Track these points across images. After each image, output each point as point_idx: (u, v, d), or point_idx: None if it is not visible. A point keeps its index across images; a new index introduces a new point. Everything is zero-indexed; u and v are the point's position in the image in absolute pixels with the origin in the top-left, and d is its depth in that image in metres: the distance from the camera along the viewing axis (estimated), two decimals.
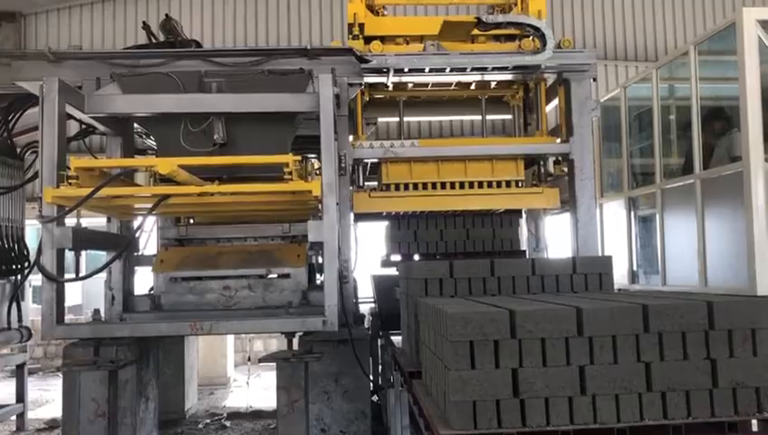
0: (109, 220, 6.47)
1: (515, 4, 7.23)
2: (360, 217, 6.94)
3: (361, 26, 6.81)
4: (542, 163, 6.89)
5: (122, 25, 13.02)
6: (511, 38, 6.89)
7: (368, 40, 6.76)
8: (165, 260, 6.59)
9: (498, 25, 6.50)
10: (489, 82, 7.42)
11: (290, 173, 5.05)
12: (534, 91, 7.41)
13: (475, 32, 6.71)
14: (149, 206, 5.45)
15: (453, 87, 7.52)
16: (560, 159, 6.83)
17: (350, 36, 6.86)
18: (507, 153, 6.83)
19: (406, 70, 6.51)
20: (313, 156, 7.75)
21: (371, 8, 7.12)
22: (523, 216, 8.21)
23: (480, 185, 6.74)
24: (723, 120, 5.96)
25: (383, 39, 6.81)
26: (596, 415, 2.84)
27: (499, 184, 6.75)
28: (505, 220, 7.54)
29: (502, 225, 7.50)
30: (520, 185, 6.83)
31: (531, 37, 6.64)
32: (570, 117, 6.63)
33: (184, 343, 8.27)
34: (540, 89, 7.20)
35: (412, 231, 6.55)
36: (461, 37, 6.80)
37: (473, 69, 6.59)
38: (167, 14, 7.25)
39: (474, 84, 7.48)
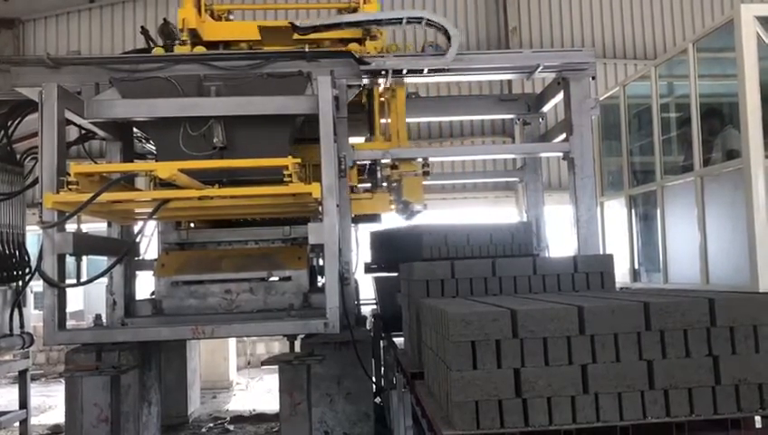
0: (109, 225, 6.48)
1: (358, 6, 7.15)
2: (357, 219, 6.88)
3: (192, 31, 6.59)
4: (378, 169, 6.76)
5: (121, 31, 13.05)
6: (358, 42, 6.74)
7: (195, 46, 6.62)
8: (166, 264, 6.60)
9: (316, 29, 6.40)
10: None
11: (290, 176, 5.05)
12: (370, 95, 7.08)
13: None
14: (150, 210, 5.46)
15: None
16: (396, 163, 6.68)
17: (180, 42, 6.65)
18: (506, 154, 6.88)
19: (404, 71, 6.51)
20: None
21: (212, 13, 7.03)
22: (525, 216, 8.20)
23: None
24: (722, 117, 5.96)
25: (212, 45, 6.68)
26: (599, 414, 2.83)
27: None
28: (521, 225, 7.48)
29: (518, 229, 7.46)
30: (355, 191, 6.71)
31: (365, 40, 6.65)
32: (569, 116, 6.63)
33: (186, 347, 8.26)
34: (374, 93, 6.94)
35: (443, 235, 6.46)
36: (286, 42, 6.68)
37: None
38: (165, 19, 7.24)
39: None
